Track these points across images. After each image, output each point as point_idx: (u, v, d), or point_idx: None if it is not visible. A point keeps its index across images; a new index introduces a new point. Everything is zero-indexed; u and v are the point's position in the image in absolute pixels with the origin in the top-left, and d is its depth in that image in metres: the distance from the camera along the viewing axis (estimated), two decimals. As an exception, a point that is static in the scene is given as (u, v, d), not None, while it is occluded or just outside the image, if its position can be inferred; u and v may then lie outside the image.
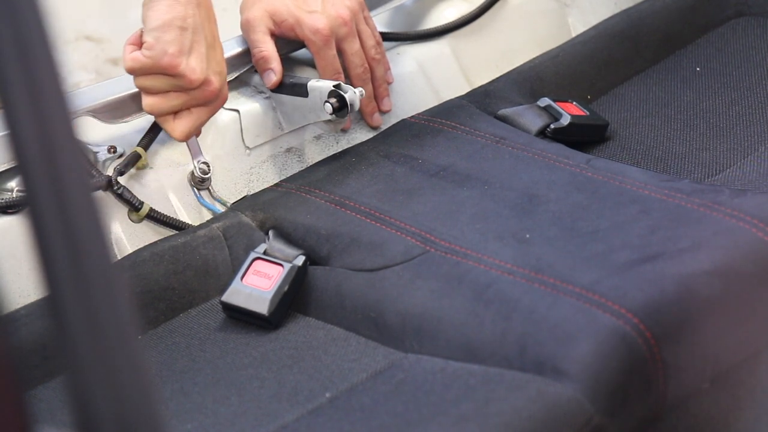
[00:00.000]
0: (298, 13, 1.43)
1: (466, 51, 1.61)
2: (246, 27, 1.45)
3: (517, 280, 1.17)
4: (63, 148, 0.60)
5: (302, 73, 1.47)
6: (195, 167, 1.39)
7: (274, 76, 1.43)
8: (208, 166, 1.40)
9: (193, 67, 1.29)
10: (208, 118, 1.36)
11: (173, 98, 1.32)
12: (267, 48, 1.43)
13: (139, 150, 1.37)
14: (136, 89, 1.36)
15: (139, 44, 1.31)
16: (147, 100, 1.32)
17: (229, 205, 1.40)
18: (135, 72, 1.31)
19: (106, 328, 0.60)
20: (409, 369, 1.14)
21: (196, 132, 1.36)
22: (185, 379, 1.20)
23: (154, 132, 1.38)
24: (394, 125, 1.49)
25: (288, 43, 1.47)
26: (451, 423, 1.06)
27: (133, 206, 1.34)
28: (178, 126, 1.33)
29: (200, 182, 1.40)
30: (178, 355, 1.24)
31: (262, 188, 1.42)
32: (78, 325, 0.60)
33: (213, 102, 1.34)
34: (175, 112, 1.35)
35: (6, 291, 1.26)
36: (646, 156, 1.44)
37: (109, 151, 1.37)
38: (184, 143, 1.40)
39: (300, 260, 1.27)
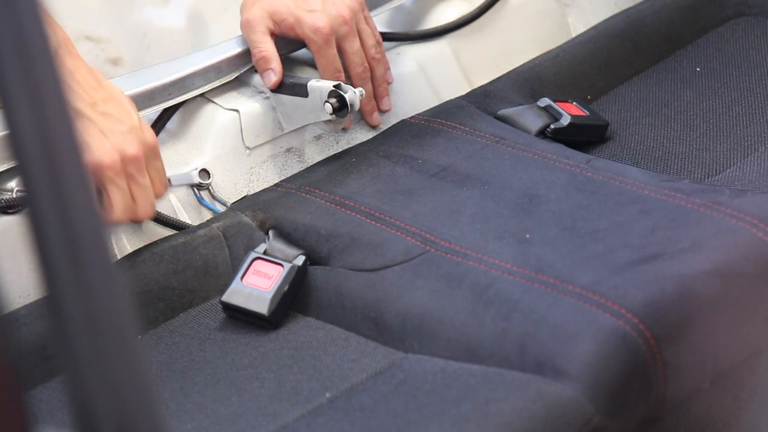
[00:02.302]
0: (298, 12, 1.43)
1: (466, 51, 1.61)
2: (246, 27, 1.45)
3: (517, 280, 1.17)
4: (63, 148, 0.60)
5: (302, 73, 1.47)
6: (194, 176, 1.39)
7: (274, 76, 1.43)
8: (208, 175, 1.40)
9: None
10: None
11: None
12: (267, 48, 1.43)
13: (139, 150, 1.36)
14: (136, 89, 1.36)
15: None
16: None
17: (229, 205, 1.40)
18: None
19: (106, 328, 0.60)
20: (409, 369, 1.14)
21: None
22: (185, 379, 1.19)
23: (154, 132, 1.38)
24: (394, 125, 1.49)
25: (288, 43, 1.47)
26: (451, 423, 1.06)
27: (133, 206, 1.34)
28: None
29: (199, 185, 1.40)
30: (178, 355, 1.24)
31: (262, 188, 1.42)
32: (77, 325, 0.60)
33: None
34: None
35: (6, 291, 1.26)
36: (646, 156, 1.44)
37: (109, 151, 1.37)
38: (184, 143, 1.40)
39: (300, 260, 1.27)
